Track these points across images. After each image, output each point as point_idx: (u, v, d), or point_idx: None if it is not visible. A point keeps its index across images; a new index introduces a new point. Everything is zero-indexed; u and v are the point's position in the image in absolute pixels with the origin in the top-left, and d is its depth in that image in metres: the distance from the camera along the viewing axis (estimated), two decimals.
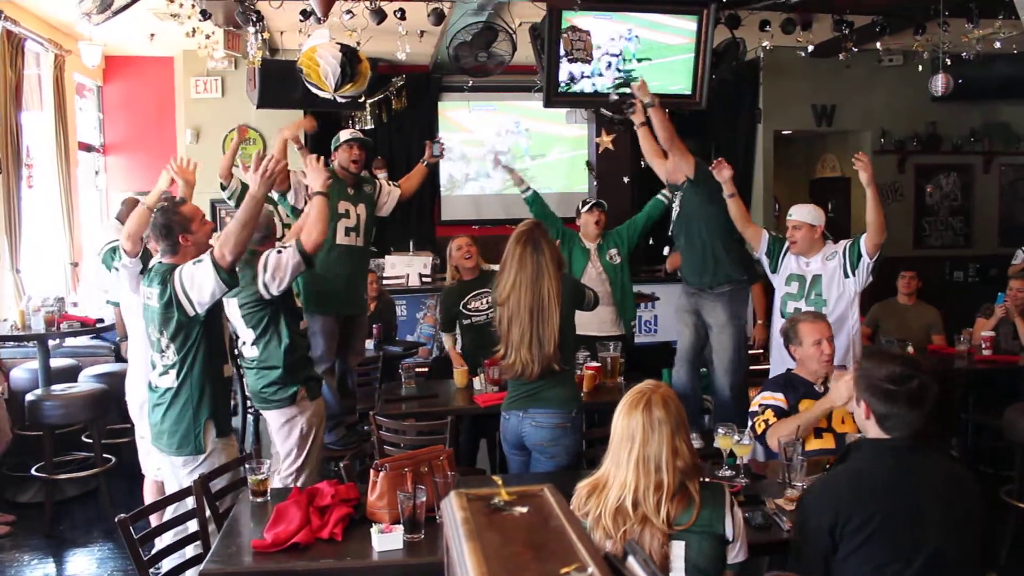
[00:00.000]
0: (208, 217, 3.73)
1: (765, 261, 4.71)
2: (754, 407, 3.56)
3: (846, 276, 4.37)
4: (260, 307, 3.74)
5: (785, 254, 4.60)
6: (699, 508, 2.32)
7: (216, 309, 3.40)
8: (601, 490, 2.35)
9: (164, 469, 3.54)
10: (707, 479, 2.48)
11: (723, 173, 4.72)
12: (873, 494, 2.27)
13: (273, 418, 3.89)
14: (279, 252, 3.64)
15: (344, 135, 5.12)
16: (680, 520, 2.31)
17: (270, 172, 3.32)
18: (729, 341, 5.02)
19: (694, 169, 4.94)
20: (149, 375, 3.48)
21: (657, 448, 2.31)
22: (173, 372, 3.35)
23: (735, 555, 2.38)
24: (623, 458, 2.33)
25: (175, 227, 3.38)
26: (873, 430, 2.41)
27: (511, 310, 3.46)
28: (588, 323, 5.21)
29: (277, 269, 3.59)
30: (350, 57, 5.69)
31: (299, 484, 3.57)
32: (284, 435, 3.86)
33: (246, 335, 3.83)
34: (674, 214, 5.18)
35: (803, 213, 4.52)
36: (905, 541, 2.23)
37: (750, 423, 3.46)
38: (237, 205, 5.47)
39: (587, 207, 5.47)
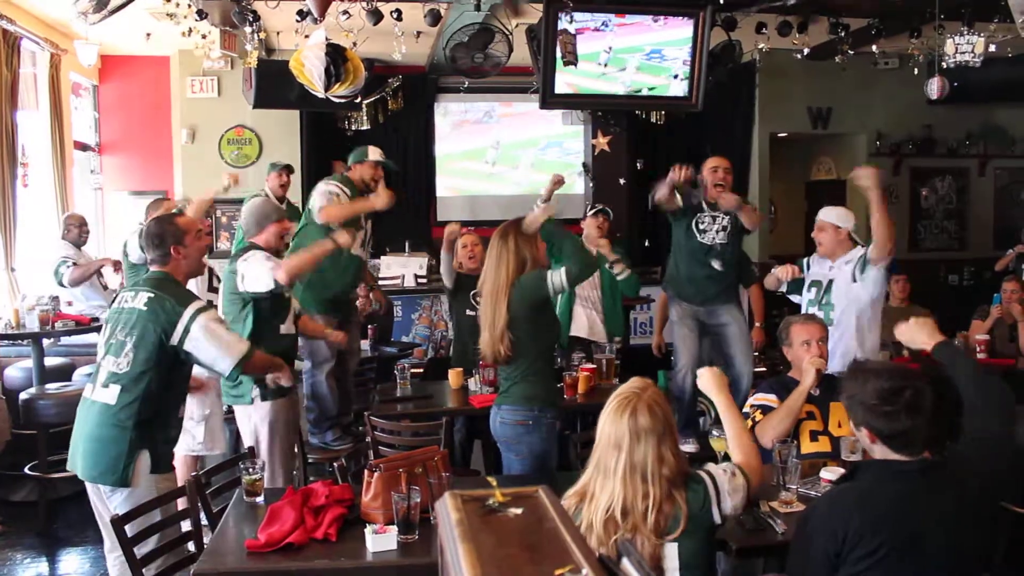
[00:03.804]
0: (206, 218, 3.74)
1: (797, 293, 4.57)
2: (746, 408, 3.56)
3: (854, 280, 4.21)
4: (235, 297, 3.88)
5: (808, 269, 4.49)
6: (687, 516, 2.32)
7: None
8: (590, 500, 2.35)
9: (90, 495, 3.25)
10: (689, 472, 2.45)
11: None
12: (881, 522, 2.18)
13: (235, 413, 4.05)
14: (267, 259, 3.80)
15: (373, 155, 5.10)
16: (670, 529, 2.31)
17: None
18: (748, 333, 5.12)
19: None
20: (87, 388, 3.21)
21: (643, 456, 2.30)
22: (115, 388, 3.06)
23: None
24: (610, 467, 2.33)
25: (168, 237, 3.26)
26: (881, 451, 2.31)
27: (484, 296, 3.62)
28: (580, 326, 5.30)
29: (247, 275, 3.77)
30: (334, 58, 5.68)
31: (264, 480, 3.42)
32: (244, 431, 3.99)
33: None
34: (718, 238, 4.92)
35: (828, 214, 4.38)
36: (909, 568, 2.18)
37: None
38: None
39: (592, 212, 5.55)
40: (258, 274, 3.77)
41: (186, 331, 3.08)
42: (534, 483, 1.68)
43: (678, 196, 4.89)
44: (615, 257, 5.35)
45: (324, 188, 4.86)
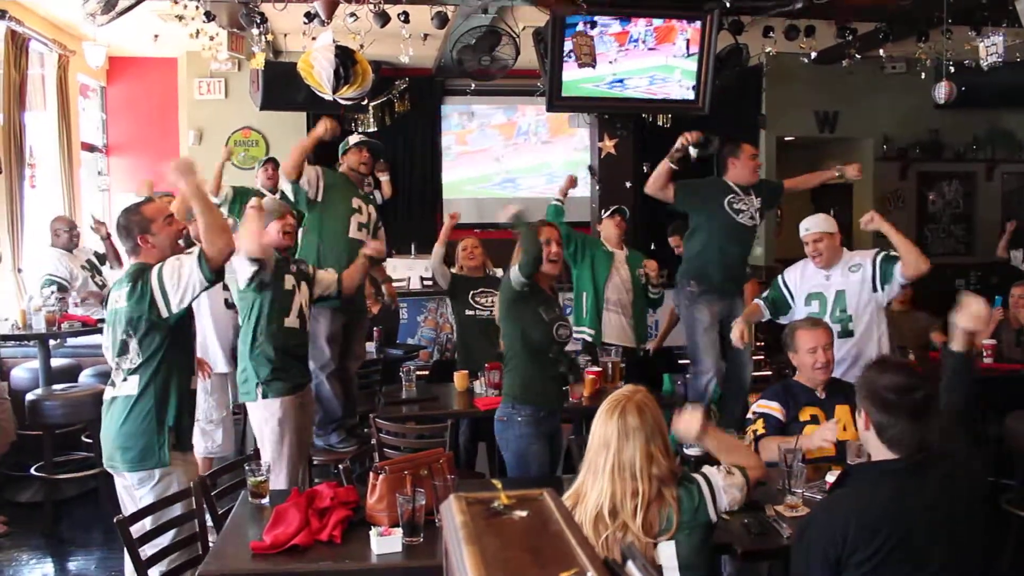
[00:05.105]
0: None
1: (783, 315, 4.47)
2: (749, 414, 3.55)
3: (874, 290, 4.18)
4: (244, 295, 3.93)
5: (786, 288, 4.45)
6: (679, 514, 2.34)
7: (187, 316, 3.23)
8: (582, 500, 2.38)
9: (119, 492, 3.27)
10: (683, 473, 2.46)
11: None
12: (877, 524, 2.18)
13: (248, 412, 4.07)
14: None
15: (353, 139, 5.18)
16: (664, 529, 2.32)
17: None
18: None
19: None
20: (108, 391, 3.24)
21: (631, 455, 2.33)
22: (134, 379, 3.11)
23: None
24: (599, 466, 2.36)
25: (134, 228, 3.20)
26: (874, 443, 2.33)
27: None
28: (612, 332, 5.33)
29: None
30: (344, 60, 5.70)
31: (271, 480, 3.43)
32: (255, 429, 4.01)
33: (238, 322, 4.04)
34: (757, 219, 4.89)
35: (821, 223, 4.31)
36: (905, 569, 2.18)
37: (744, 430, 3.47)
38: (230, 212, 5.56)
39: (609, 213, 5.56)
40: (237, 263, 3.77)
41: (164, 294, 3.05)
42: (537, 486, 1.68)
43: (692, 151, 4.89)
44: (660, 280, 5.46)
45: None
